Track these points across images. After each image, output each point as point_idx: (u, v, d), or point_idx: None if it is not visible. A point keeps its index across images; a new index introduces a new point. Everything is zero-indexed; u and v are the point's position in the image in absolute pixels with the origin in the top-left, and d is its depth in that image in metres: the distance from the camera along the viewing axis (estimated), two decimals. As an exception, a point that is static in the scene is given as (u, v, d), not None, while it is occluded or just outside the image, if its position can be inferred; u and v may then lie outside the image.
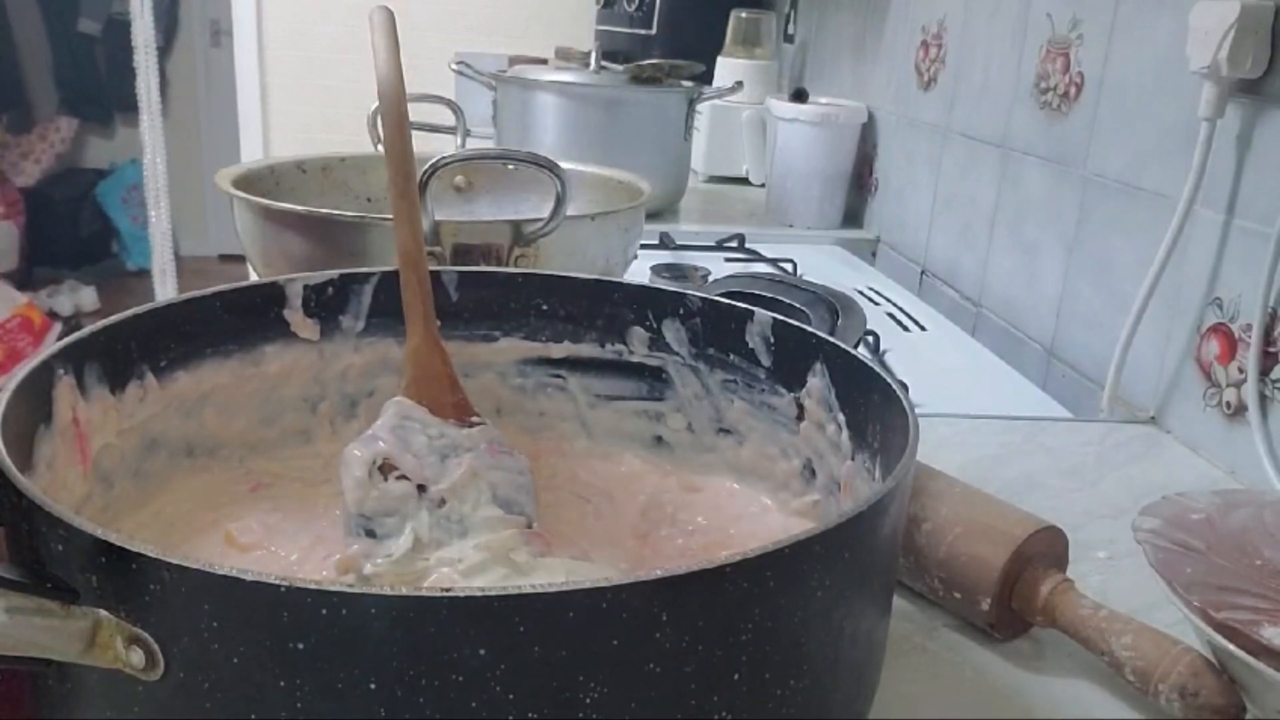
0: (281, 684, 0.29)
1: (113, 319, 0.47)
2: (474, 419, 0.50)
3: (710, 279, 1.06)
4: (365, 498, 0.45)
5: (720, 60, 1.82)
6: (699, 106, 1.53)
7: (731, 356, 0.55)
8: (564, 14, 2.84)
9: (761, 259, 1.29)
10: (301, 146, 0.97)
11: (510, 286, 0.58)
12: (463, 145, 1.10)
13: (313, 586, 0.28)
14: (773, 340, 0.53)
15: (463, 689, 0.29)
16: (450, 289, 0.57)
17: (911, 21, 1.36)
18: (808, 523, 0.50)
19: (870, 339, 0.95)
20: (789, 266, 1.23)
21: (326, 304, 0.56)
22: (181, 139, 3.66)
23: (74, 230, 3.96)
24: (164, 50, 3.35)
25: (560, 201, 0.72)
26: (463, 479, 0.47)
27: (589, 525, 0.56)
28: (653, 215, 1.37)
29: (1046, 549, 0.52)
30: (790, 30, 1.90)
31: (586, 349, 0.58)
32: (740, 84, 1.54)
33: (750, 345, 0.54)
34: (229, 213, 0.81)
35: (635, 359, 0.58)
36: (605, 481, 0.58)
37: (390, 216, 0.51)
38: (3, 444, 0.35)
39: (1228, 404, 0.75)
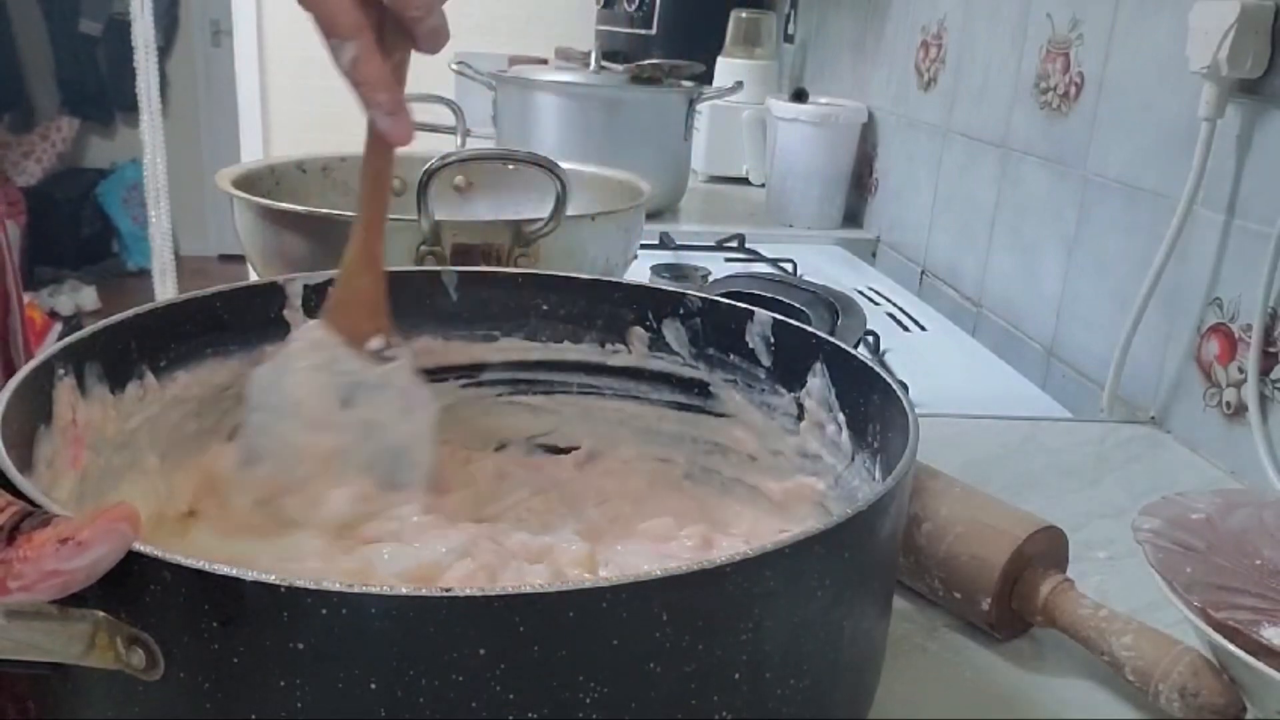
0: (281, 684, 0.29)
1: (113, 319, 0.47)
2: (388, 352, 0.50)
3: (710, 279, 1.06)
4: None
5: (720, 60, 1.82)
6: (699, 106, 1.53)
7: (731, 356, 0.55)
8: (564, 14, 2.83)
9: (761, 259, 1.29)
10: (301, 146, 0.97)
11: (510, 286, 0.58)
12: (463, 145, 1.10)
13: (313, 586, 0.28)
14: (773, 340, 0.53)
15: (463, 689, 0.29)
16: (450, 289, 0.57)
17: (911, 21, 1.36)
18: (808, 522, 0.50)
19: (870, 339, 0.95)
20: (789, 266, 1.23)
21: (326, 304, 0.55)
22: (181, 139, 3.66)
23: (75, 230, 3.96)
24: (164, 50, 3.35)
25: (560, 201, 0.72)
26: None
27: (590, 525, 0.56)
28: (653, 215, 1.37)
29: (1046, 549, 0.52)
30: (790, 30, 1.90)
31: (586, 349, 0.58)
32: (740, 84, 1.54)
33: (750, 345, 0.54)
34: (229, 213, 0.81)
35: (635, 359, 0.58)
36: (606, 481, 0.58)
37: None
38: (3, 444, 0.35)
39: (1228, 404, 0.75)
